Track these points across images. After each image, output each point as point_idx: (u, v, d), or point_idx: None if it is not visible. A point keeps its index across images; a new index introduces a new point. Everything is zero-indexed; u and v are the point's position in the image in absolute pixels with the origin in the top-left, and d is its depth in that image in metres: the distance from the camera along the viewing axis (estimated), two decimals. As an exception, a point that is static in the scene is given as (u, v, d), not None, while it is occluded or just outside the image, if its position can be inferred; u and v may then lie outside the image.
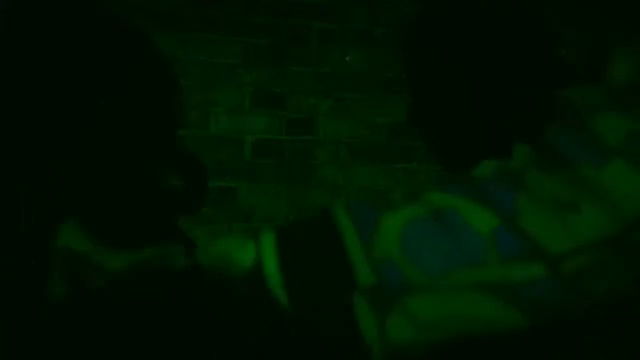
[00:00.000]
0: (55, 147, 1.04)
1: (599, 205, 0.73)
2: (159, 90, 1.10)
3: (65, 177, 1.04)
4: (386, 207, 0.90)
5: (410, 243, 0.83)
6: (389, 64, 3.31)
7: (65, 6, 1.06)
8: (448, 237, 0.81)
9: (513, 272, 0.78)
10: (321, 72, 3.35)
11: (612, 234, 0.73)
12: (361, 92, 3.38)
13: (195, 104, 3.21)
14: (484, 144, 1.27)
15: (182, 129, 1.15)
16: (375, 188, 3.44)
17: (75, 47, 1.04)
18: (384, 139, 3.41)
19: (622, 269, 0.77)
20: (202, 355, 1.03)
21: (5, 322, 1.02)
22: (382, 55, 3.35)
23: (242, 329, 0.98)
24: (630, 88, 0.84)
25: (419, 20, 1.33)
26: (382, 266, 0.85)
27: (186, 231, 1.19)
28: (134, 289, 1.04)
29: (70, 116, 1.04)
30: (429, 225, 0.84)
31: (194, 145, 3.16)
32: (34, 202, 1.05)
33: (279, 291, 0.89)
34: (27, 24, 1.05)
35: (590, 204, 0.73)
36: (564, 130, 0.80)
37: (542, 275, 0.77)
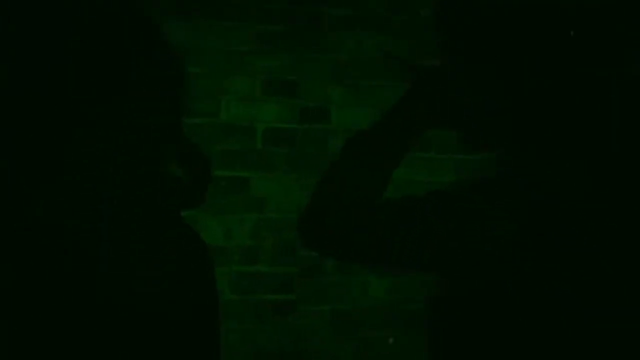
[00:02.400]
0: (57, 135, 1.03)
1: None
2: (164, 79, 1.08)
3: (66, 167, 1.03)
4: None
5: None
6: (405, 51, 3.27)
7: None
8: None
9: None
10: (335, 59, 3.31)
11: None
12: (376, 79, 3.33)
13: (206, 91, 3.18)
14: (506, 132, 1.27)
15: (188, 118, 1.12)
16: (392, 177, 3.39)
17: (81, 33, 1.03)
18: (399, 128, 3.36)
19: None
20: None
21: (5, 322, 1.01)
22: (399, 42, 3.30)
23: None
24: None
25: (440, 7, 1.32)
26: None
27: (197, 221, 1.18)
28: None
29: (72, 104, 1.02)
30: None
31: (204, 133, 3.13)
32: (34, 199, 1.04)
33: None
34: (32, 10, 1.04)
35: None
36: None
37: None
